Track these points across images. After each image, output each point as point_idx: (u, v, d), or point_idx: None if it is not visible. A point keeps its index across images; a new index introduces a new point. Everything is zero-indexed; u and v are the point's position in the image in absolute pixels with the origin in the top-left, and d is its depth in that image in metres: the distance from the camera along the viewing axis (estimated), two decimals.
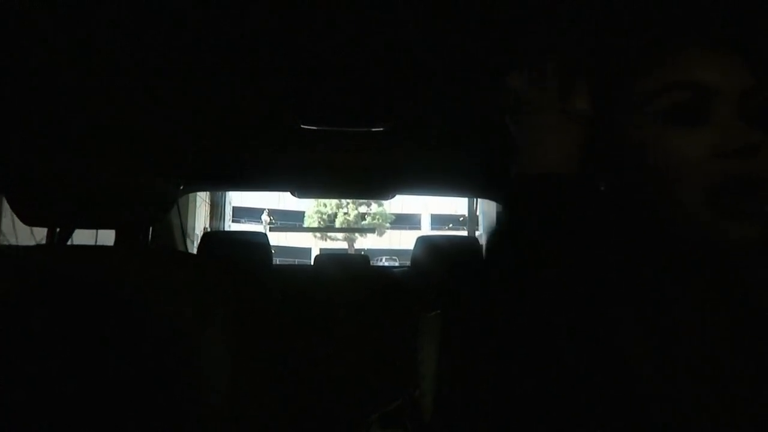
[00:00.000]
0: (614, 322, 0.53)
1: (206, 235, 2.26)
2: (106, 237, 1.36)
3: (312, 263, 2.34)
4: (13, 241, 2.30)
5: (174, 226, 2.06)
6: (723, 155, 0.46)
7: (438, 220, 25.69)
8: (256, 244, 2.19)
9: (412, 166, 1.88)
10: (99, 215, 1.02)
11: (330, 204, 23.81)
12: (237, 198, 17.83)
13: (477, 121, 1.36)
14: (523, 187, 0.54)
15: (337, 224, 24.02)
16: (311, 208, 24.21)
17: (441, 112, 1.28)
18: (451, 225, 22.56)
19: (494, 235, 0.57)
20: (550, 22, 0.76)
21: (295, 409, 1.74)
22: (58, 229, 1.33)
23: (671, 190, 0.47)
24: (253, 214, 21.95)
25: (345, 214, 24.24)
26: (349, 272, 2.21)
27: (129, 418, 0.76)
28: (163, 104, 1.20)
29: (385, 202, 22.77)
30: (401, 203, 24.91)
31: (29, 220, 0.98)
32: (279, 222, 23.00)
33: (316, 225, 23.94)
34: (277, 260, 4.22)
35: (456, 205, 21.85)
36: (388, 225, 25.48)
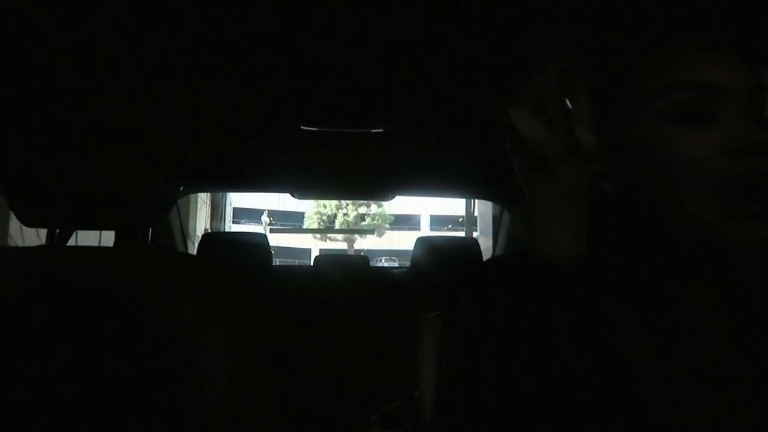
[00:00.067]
0: (614, 321, 0.53)
1: (206, 236, 2.26)
2: (109, 239, 1.36)
3: (312, 264, 2.34)
4: (19, 243, 2.30)
5: (174, 227, 2.05)
6: (729, 154, 0.46)
7: (437, 221, 25.70)
8: (256, 244, 2.19)
9: (411, 167, 1.88)
10: (99, 216, 1.02)
11: (330, 205, 23.81)
12: (237, 199, 17.85)
13: (477, 122, 1.36)
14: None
15: (337, 225, 24.03)
16: (311, 209, 24.22)
17: (441, 113, 1.28)
18: (450, 226, 22.56)
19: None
20: (550, 22, 0.76)
21: (295, 409, 1.74)
22: (58, 230, 1.33)
23: (675, 189, 0.47)
24: (253, 215, 21.95)
25: (345, 215, 24.24)
26: (348, 273, 2.21)
27: (129, 418, 0.76)
28: (163, 104, 1.20)
29: (385, 203, 22.78)
30: (401, 204, 24.92)
31: (29, 221, 0.98)
32: (279, 223, 23.00)
33: (315, 226, 23.94)
34: (276, 261, 4.22)
35: (455, 206, 21.85)
36: (387, 226, 25.49)
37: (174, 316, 0.84)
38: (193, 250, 2.56)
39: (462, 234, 9.88)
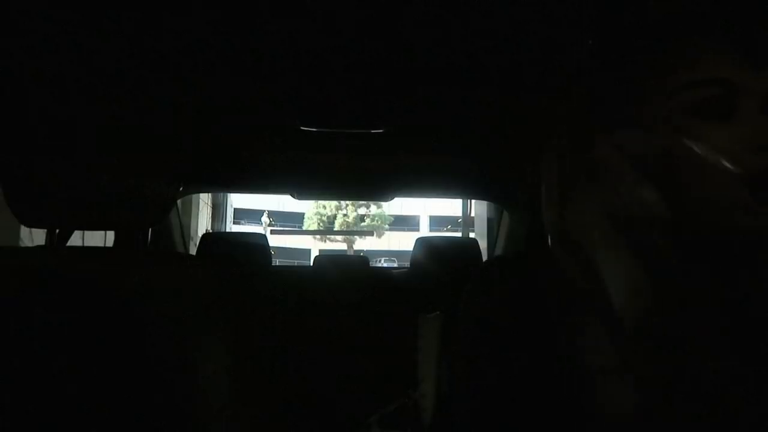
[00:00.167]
0: (617, 321, 0.52)
1: (206, 237, 2.26)
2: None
3: (311, 264, 2.34)
4: (29, 245, 2.30)
5: (174, 227, 2.06)
6: (752, 150, 0.46)
7: (437, 222, 25.69)
8: (256, 245, 2.19)
9: (411, 168, 1.88)
10: (98, 216, 1.02)
11: (329, 206, 23.83)
12: (238, 200, 17.87)
13: (477, 123, 1.36)
14: None
15: (336, 226, 24.03)
16: (311, 210, 24.22)
17: (441, 113, 1.28)
18: (449, 226, 22.56)
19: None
20: (552, 22, 0.76)
21: (295, 409, 1.74)
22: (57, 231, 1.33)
23: (697, 183, 0.47)
24: (254, 215, 21.96)
25: (344, 216, 24.24)
26: (348, 273, 2.21)
27: (129, 418, 0.76)
28: (163, 104, 1.20)
29: (384, 204, 22.79)
30: (400, 205, 24.93)
31: (28, 221, 0.98)
32: (279, 224, 23.01)
33: (315, 227, 23.94)
34: (276, 261, 4.22)
35: (454, 206, 21.82)
36: (387, 227, 25.49)
37: (174, 316, 0.84)
38: (194, 250, 2.56)
39: (458, 234, 9.88)
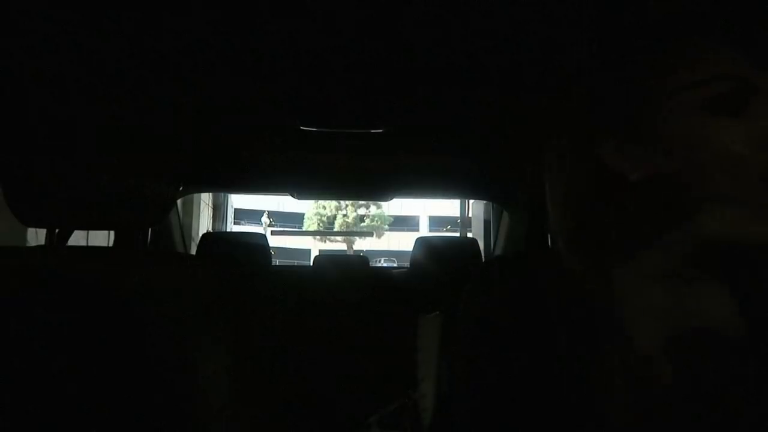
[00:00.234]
0: (619, 320, 0.52)
1: (205, 236, 2.26)
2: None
3: (311, 264, 2.34)
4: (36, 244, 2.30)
5: (174, 227, 2.06)
6: (764, 148, 0.45)
7: (436, 222, 25.71)
8: (255, 245, 2.19)
9: (411, 168, 1.88)
10: (98, 216, 1.02)
11: (329, 206, 23.85)
12: (238, 201, 17.89)
13: (476, 123, 1.36)
14: None
15: (336, 226, 24.04)
16: (311, 210, 24.24)
17: (441, 113, 1.28)
18: (449, 227, 22.57)
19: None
20: (552, 22, 0.76)
21: (295, 409, 1.74)
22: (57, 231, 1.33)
23: (708, 180, 0.46)
24: (254, 216, 21.99)
25: (344, 216, 24.26)
26: (348, 273, 2.21)
27: (129, 418, 0.76)
28: (163, 104, 1.20)
29: (384, 204, 22.81)
30: (400, 205, 24.95)
31: (28, 221, 0.98)
32: (279, 224, 23.03)
33: (315, 227, 23.96)
34: (276, 261, 4.22)
35: (454, 207, 21.81)
36: (386, 227, 25.51)
37: (174, 316, 0.84)
38: (194, 250, 2.57)
39: (456, 234, 9.88)
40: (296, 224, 24.36)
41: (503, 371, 0.64)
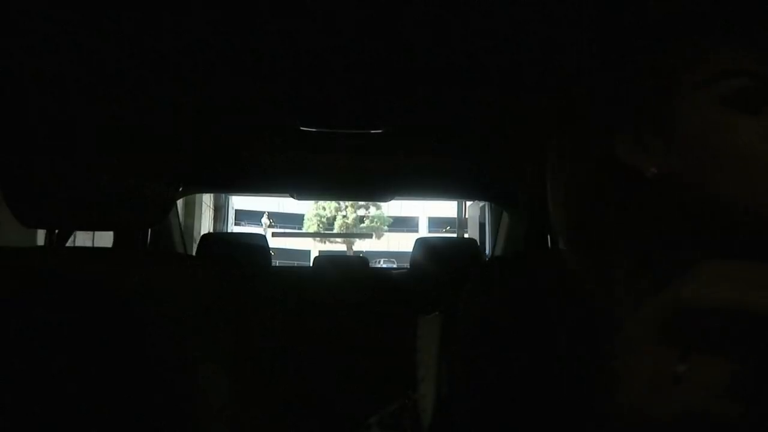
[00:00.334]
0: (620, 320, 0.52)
1: (205, 237, 2.26)
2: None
3: (311, 265, 2.34)
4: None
5: (174, 228, 2.06)
6: None
7: (435, 223, 25.73)
8: (255, 245, 2.19)
9: (411, 168, 1.88)
10: (98, 216, 1.02)
11: (329, 207, 23.87)
12: (238, 202, 17.90)
13: (476, 123, 1.36)
14: None
15: (336, 227, 24.06)
16: (310, 211, 24.25)
17: (440, 114, 1.28)
18: (448, 227, 22.57)
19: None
20: (552, 22, 0.76)
21: (295, 409, 1.74)
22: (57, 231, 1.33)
23: (727, 176, 0.46)
24: (254, 216, 22.01)
25: (344, 217, 24.27)
26: (347, 274, 2.21)
27: (129, 418, 0.76)
28: (162, 104, 1.20)
29: (384, 205, 22.84)
30: (399, 206, 24.96)
31: (28, 221, 0.98)
32: (279, 225, 23.05)
33: (315, 228, 23.98)
34: (276, 262, 4.23)
35: (453, 208, 21.83)
36: (386, 228, 25.52)
37: (174, 316, 0.84)
38: (194, 251, 2.57)
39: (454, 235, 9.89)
40: (296, 225, 24.38)
41: (503, 371, 0.64)
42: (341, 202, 22.95)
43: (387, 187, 2.10)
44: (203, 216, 7.08)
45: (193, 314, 0.85)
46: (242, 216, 21.37)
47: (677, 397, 0.36)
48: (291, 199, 2.28)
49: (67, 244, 1.36)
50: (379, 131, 1.35)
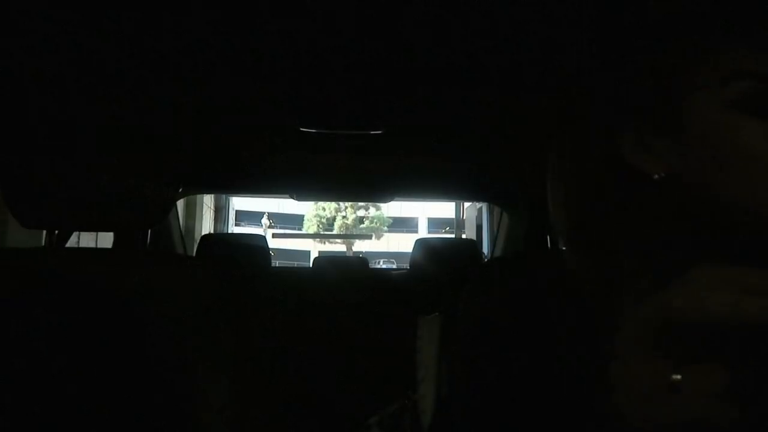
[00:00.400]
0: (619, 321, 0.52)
1: (205, 238, 2.26)
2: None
3: (311, 265, 2.34)
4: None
5: (174, 229, 2.06)
6: None
7: (435, 224, 25.75)
8: (255, 246, 2.19)
9: (411, 169, 1.88)
10: (98, 217, 1.02)
11: (329, 207, 23.89)
12: (238, 202, 17.92)
13: (476, 123, 1.36)
14: None
15: (336, 228, 24.08)
16: (310, 211, 24.27)
17: (440, 115, 1.28)
18: (448, 228, 22.59)
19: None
20: (552, 22, 0.76)
21: (295, 410, 1.74)
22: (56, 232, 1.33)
23: (734, 179, 0.46)
24: (254, 217, 22.04)
25: (344, 218, 24.28)
26: (347, 274, 2.21)
27: (129, 418, 0.76)
28: (162, 105, 1.20)
29: (383, 206, 22.86)
30: (399, 207, 24.98)
31: (28, 221, 0.98)
32: (279, 225, 23.07)
33: (315, 229, 24.00)
34: (276, 262, 4.23)
35: (453, 209, 21.85)
36: (385, 228, 25.53)
37: (174, 316, 0.84)
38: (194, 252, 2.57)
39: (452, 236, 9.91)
40: (296, 226, 24.40)
41: (503, 371, 0.64)
42: (341, 203, 22.98)
43: (387, 187, 2.10)
44: (204, 217, 7.10)
45: (193, 314, 0.85)
46: (242, 217, 21.40)
47: (674, 401, 0.36)
48: (291, 199, 2.28)
49: (71, 245, 1.36)
50: (379, 132, 1.34)
